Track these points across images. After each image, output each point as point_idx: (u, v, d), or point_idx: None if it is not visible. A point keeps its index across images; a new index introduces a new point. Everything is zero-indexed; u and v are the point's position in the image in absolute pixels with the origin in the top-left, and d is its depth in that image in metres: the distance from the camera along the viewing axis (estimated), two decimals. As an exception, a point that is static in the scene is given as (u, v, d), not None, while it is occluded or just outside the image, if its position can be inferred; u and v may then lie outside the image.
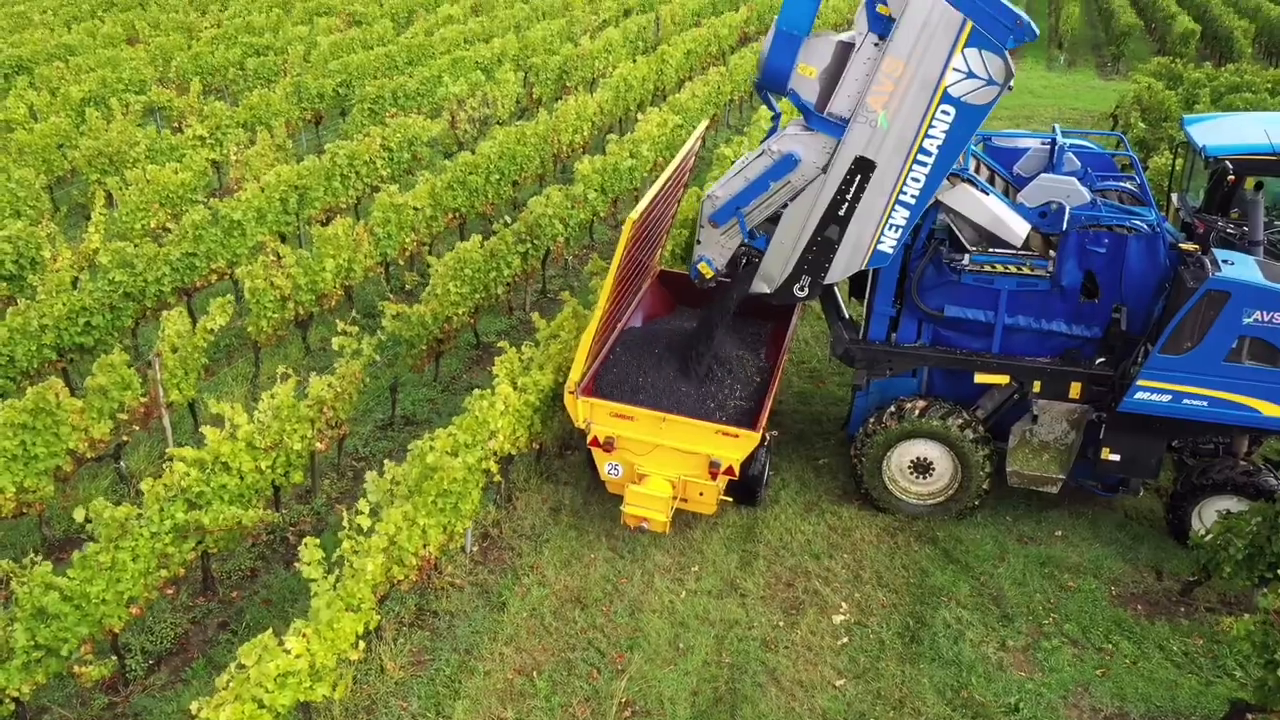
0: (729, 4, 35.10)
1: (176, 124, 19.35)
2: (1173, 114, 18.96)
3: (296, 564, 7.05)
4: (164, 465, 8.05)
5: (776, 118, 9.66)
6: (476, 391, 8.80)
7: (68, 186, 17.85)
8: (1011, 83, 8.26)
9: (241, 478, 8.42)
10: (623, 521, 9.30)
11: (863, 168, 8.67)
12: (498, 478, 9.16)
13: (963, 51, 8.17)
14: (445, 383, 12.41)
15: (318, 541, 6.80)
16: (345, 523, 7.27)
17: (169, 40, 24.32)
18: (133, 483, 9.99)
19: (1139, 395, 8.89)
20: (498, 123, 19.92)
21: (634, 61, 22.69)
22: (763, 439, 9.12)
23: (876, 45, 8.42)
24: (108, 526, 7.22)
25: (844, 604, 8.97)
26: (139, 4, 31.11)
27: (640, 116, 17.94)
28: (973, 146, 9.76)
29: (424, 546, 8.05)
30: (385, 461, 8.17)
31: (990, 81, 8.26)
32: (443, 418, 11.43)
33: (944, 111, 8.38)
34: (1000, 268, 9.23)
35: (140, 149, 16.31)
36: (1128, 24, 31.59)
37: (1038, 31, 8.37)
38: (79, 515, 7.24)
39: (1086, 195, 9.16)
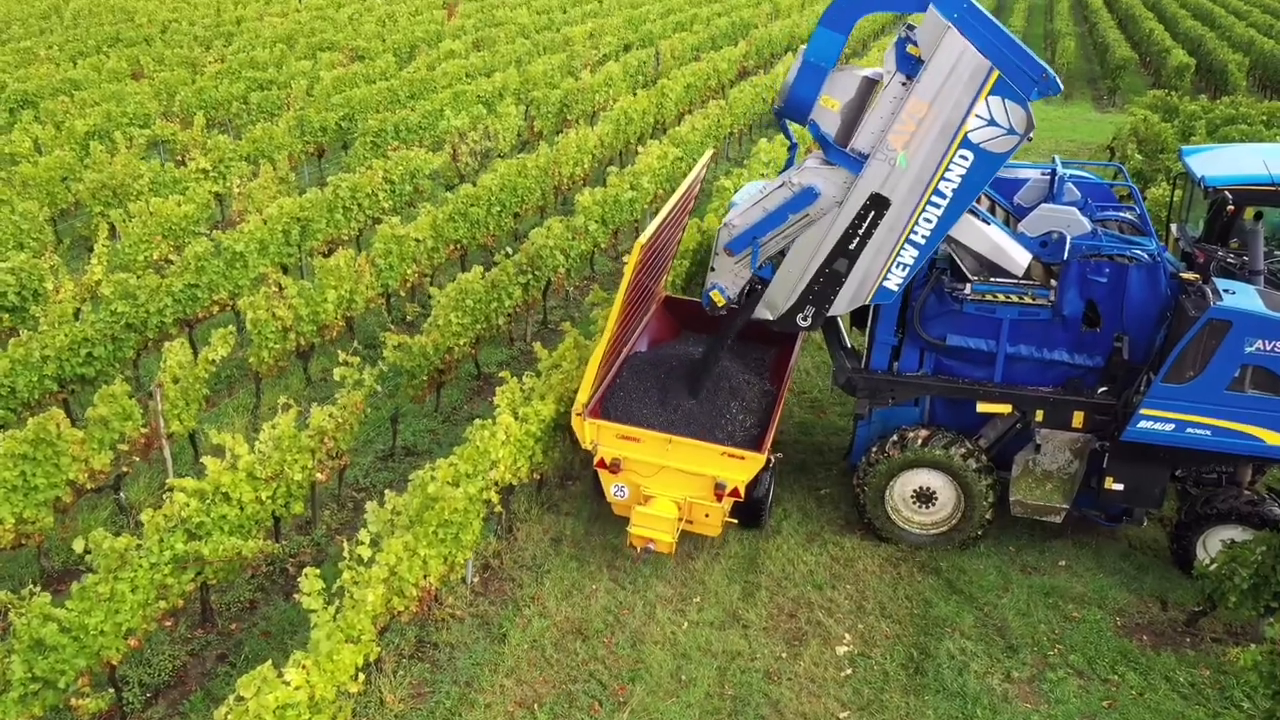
0: (728, 39, 35.48)
1: (180, 157, 19.48)
2: (1169, 146, 19.10)
3: (296, 595, 7.00)
4: (164, 496, 8.01)
5: (793, 148, 9.72)
6: (477, 421, 8.79)
7: (71, 219, 17.94)
8: (1032, 134, 8.34)
9: (242, 508, 8.38)
10: (629, 542, 9.27)
11: (877, 204, 8.72)
12: (499, 508, 9.13)
13: (986, 99, 8.26)
14: (446, 413, 12.39)
15: (318, 572, 6.75)
16: (346, 553, 7.23)
17: (173, 75, 24.53)
18: (132, 514, 9.94)
19: (1142, 424, 8.88)
20: (499, 155, 20.06)
21: (634, 95, 22.91)
22: (768, 462, 9.14)
23: (904, 85, 8.49)
24: (107, 557, 7.17)
25: (847, 635, 8.90)
26: (144, 40, 31.43)
27: (640, 149, 18.06)
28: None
29: (424, 577, 8.00)
30: (386, 492, 8.14)
31: (1010, 131, 8.34)
32: (444, 448, 11.40)
33: (962, 156, 8.44)
34: (1002, 297, 9.25)
35: (144, 182, 16.40)
36: (1123, 58, 31.92)
37: (1061, 86, 8.46)
38: (78, 546, 7.20)
39: (1087, 225, 9.20)
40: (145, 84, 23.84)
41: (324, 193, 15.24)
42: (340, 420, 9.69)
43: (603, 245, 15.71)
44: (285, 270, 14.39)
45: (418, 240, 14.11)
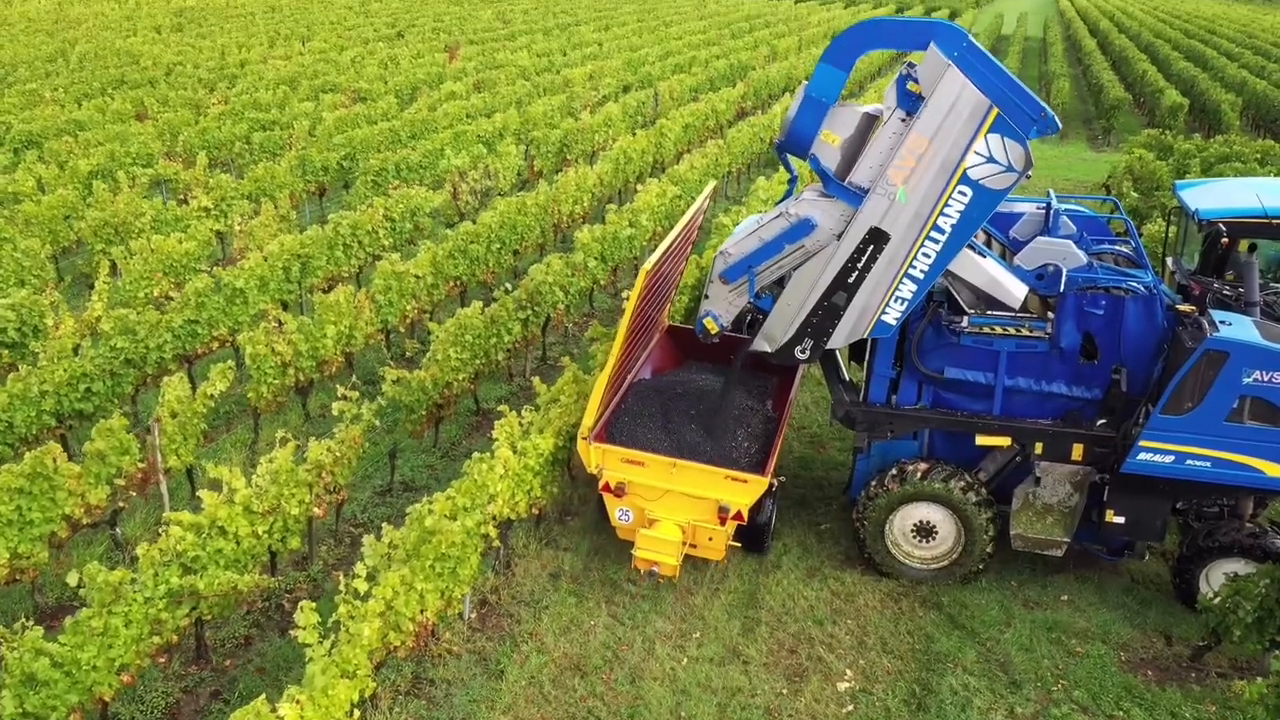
0: (726, 81, 35.88)
1: (182, 196, 19.60)
2: (1164, 183, 19.25)
3: (292, 632, 6.93)
4: (160, 531, 7.97)
5: (793, 181, 9.82)
6: (476, 455, 8.77)
7: (73, 257, 18.01)
8: (1030, 171, 8.42)
9: (238, 543, 8.33)
10: (633, 565, 9.29)
11: (876, 239, 8.77)
12: (496, 543, 9.07)
13: (986, 136, 8.33)
14: (445, 449, 12.36)
15: (313, 605, 6.69)
16: (342, 587, 7.17)
17: (177, 116, 24.78)
18: (128, 549, 9.87)
19: (1141, 456, 8.86)
20: (499, 194, 20.19)
21: (633, 135, 23.10)
22: (770, 485, 9.14)
23: (903, 121, 8.58)
24: (101, 591, 7.11)
25: (848, 671, 8.80)
26: (149, 82, 31.78)
27: (639, 188, 18.19)
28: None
29: (421, 612, 7.93)
30: (383, 526, 8.09)
31: (1009, 168, 8.40)
32: (442, 484, 11.34)
33: (961, 192, 8.50)
34: (999, 329, 9.27)
35: (146, 220, 16.49)
36: (1117, 98, 32.27)
37: (1060, 125, 8.54)
38: (72, 579, 7.15)
39: (1082, 258, 9.25)
40: (149, 125, 24.07)
41: (325, 230, 15.32)
42: (338, 455, 9.66)
43: (602, 282, 15.77)
44: (285, 307, 14.42)
45: (417, 277, 14.16)
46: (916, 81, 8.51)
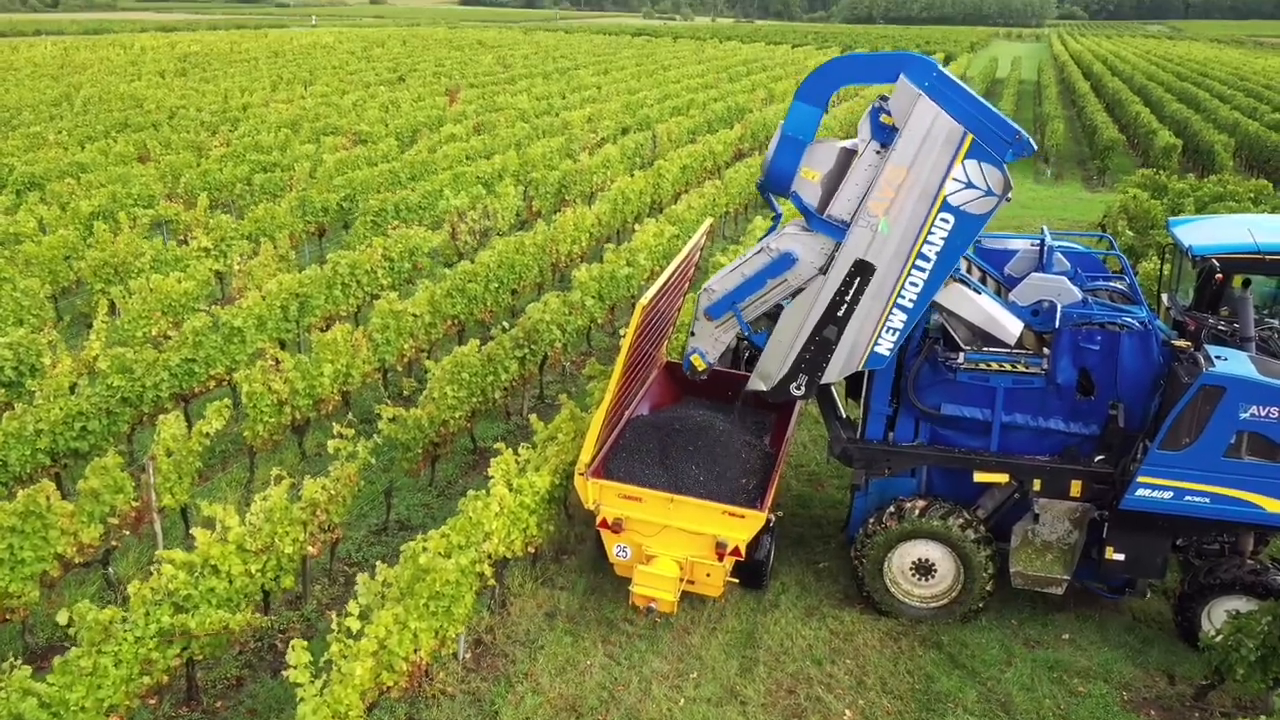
0: (724, 123, 36.23)
1: (183, 237, 19.70)
2: (1159, 222, 19.37)
3: (284, 673, 6.85)
4: (152, 569, 7.90)
5: (777, 218, 9.88)
6: (471, 493, 8.72)
7: (72, 296, 18.06)
8: (1010, 194, 8.47)
9: (230, 581, 8.26)
10: (631, 602, 9.20)
11: (862, 270, 8.81)
12: (492, 581, 8.99)
13: (963, 163, 8.40)
14: (441, 487, 12.30)
15: (305, 644, 6.63)
16: (334, 625, 7.10)
17: (179, 158, 24.98)
18: (120, 589, 9.79)
19: (1140, 492, 8.81)
20: (498, 234, 20.30)
21: (631, 176, 23.27)
22: (768, 521, 9.09)
23: (879, 153, 8.66)
24: (91, 630, 7.04)
25: (848, 711, 8.69)
26: (152, 125, 32.09)
27: (637, 228, 18.29)
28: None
29: (415, 651, 7.84)
30: (377, 564, 8.03)
31: (989, 193, 8.46)
32: (438, 523, 11.22)
33: (943, 219, 8.56)
34: (995, 365, 9.26)
35: (145, 260, 16.57)
36: (1111, 139, 32.57)
37: (1035, 147, 8.61)
38: (62, 618, 7.08)
39: (1077, 294, 9.27)
40: (151, 166, 24.26)
41: (324, 270, 15.38)
42: (333, 493, 9.61)
43: (599, 321, 15.80)
44: (283, 345, 14.43)
45: (415, 316, 14.19)
46: (889, 114, 8.60)
